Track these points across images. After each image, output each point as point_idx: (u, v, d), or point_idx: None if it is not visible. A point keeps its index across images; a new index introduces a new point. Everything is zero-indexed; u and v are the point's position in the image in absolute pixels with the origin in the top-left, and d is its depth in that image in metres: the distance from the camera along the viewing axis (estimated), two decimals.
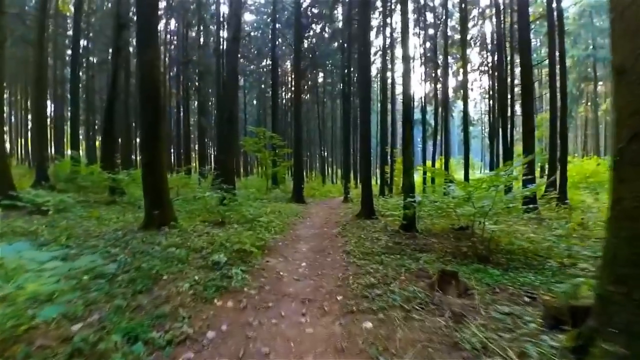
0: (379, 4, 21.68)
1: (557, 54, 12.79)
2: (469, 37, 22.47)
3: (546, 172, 16.61)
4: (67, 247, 4.79)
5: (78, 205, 8.40)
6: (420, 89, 27.41)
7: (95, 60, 30.58)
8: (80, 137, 33.53)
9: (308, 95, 36.51)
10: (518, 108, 21.30)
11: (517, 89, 18.77)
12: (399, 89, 26.89)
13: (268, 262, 4.58)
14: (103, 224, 6.21)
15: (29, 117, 33.29)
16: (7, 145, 37.64)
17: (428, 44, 24.64)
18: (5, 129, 37.41)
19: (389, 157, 22.61)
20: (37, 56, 13.74)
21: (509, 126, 14.35)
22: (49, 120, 29.59)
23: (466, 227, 6.85)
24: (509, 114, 15.02)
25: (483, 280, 3.62)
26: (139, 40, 6.06)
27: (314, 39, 29.54)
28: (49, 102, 29.53)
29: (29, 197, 7.76)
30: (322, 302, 3.23)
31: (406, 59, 6.63)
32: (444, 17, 21.34)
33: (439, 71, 24.55)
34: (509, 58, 16.55)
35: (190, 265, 4.04)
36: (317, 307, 3.14)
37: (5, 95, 36.68)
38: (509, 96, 16.37)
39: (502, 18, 14.50)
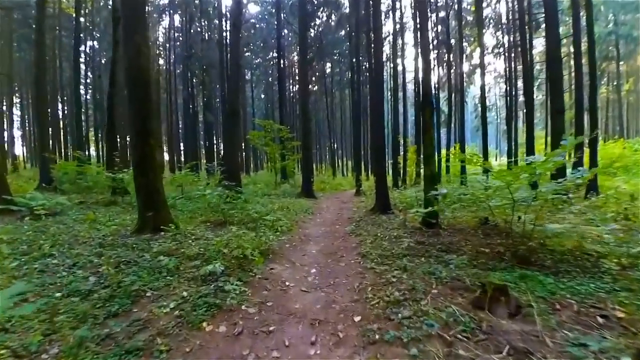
0: None
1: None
2: (485, 12, 21.12)
3: (570, 157, 15.47)
4: (50, 257, 4.31)
5: (75, 208, 7.98)
6: (432, 74, 26.24)
7: (102, 61, 30.47)
8: (93, 137, 33.85)
9: (316, 87, 35.66)
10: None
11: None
12: (409, 77, 25.86)
13: (272, 269, 3.97)
14: (95, 228, 5.72)
15: None
16: (23, 149, 38.33)
17: (440, 27, 23.43)
18: (20, 132, 37.92)
19: (401, 147, 21.74)
20: (37, 55, 13.38)
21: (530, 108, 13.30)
22: (61, 122, 29.83)
23: (494, 221, 6.14)
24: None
25: (535, 292, 2.91)
26: (125, 24, 5.46)
27: (320, 28, 28.64)
28: (59, 105, 29.71)
29: (24, 201, 7.34)
30: (336, 325, 2.60)
31: (424, 33, 5.84)
32: None
33: (451, 56, 23.41)
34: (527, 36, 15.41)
35: (181, 277, 3.46)
36: (330, 331, 2.51)
37: (17, 100, 37.22)
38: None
39: None
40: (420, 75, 5.82)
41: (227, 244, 4.26)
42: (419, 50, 6.02)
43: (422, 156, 20.88)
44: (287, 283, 3.55)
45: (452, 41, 23.02)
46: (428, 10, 22.75)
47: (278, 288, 3.41)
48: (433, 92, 22.92)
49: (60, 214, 7.31)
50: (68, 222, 6.46)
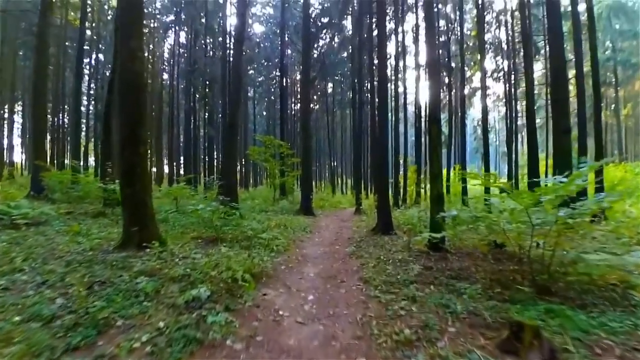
0: (388, 9, 21.05)
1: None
2: (485, 38, 21.45)
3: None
4: (19, 272, 3.90)
5: (61, 218, 7.55)
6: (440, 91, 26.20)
7: (107, 73, 30.64)
8: (93, 148, 33.61)
9: (317, 105, 35.90)
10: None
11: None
12: (409, 99, 25.99)
13: (265, 295, 3.55)
14: (76, 241, 5.30)
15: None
16: (23, 156, 37.95)
17: (441, 51, 23.71)
18: (20, 140, 37.68)
19: (401, 166, 21.57)
20: (37, 62, 13.31)
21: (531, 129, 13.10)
22: (62, 132, 29.66)
23: (502, 244, 5.78)
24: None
25: (567, 331, 2.52)
26: (122, 30, 5.25)
27: (323, 49, 29.10)
28: (61, 115, 29.65)
29: (6, 209, 6.95)
30: None
31: (431, 48, 5.66)
32: (458, 19, 20.50)
33: (452, 79, 23.59)
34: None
35: (160, 302, 3.04)
36: None
37: (19, 108, 37.27)
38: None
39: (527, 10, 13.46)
40: (428, 92, 5.60)
41: (217, 265, 3.87)
42: (426, 68, 5.84)
43: (421, 176, 20.78)
44: (280, 312, 3.13)
45: (452, 64, 23.29)
46: (435, 25, 23.13)
47: (270, 318, 2.99)
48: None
49: (43, 225, 6.90)
50: (49, 233, 6.05)
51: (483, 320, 2.69)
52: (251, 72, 35.09)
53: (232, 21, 24.39)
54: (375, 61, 16.09)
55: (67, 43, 26.95)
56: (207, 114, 27.28)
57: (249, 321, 2.89)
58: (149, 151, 24.90)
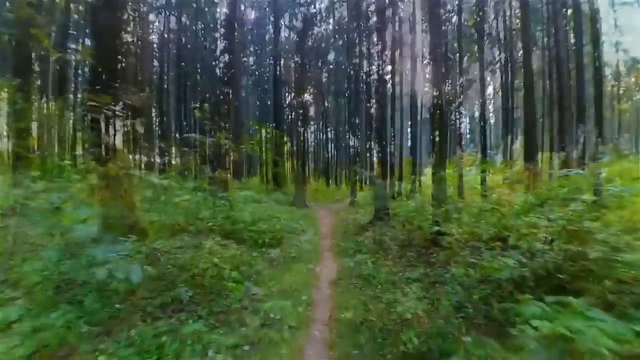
0: None
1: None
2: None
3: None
4: None
5: (41, 208, 7.08)
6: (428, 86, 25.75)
7: None
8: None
9: (311, 95, 35.24)
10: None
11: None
12: (405, 89, 25.55)
13: (254, 295, 3.21)
14: (49, 234, 4.88)
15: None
16: (9, 145, 36.78)
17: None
18: (7, 128, 36.57)
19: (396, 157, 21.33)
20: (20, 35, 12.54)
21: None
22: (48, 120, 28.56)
23: (508, 238, 5.54)
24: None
25: (599, 340, 2.22)
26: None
27: (318, 36, 28.43)
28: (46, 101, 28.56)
29: None
30: None
31: (434, 30, 5.26)
32: (456, 8, 20.01)
33: (448, 69, 23.16)
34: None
35: (134, 305, 2.69)
36: None
37: (4, 94, 35.97)
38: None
39: None
40: (431, 77, 5.24)
41: (202, 261, 3.51)
42: (429, 52, 5.46)
43: (417, 167, 20.54)
44: (271, 315, 2.79)
45: (449, 55, 22.87)
46: (424, 26, 22.68)
47: (259, 322, 2.65)
48: (432, 103, 22.88)
49: (19, 215, 6.44)
50: (23, 224, 5.60)
51: (501, 328, 2.39)
52: (244, 59, 34.23)
53: (223, 5, 23.58)
54: (372, 50, 15.69)
55: (53, 28, 25.84)
56: (198, 102, 26.55)
57: (235, 327, 2.56)
58: (139, 139, 24.21)
